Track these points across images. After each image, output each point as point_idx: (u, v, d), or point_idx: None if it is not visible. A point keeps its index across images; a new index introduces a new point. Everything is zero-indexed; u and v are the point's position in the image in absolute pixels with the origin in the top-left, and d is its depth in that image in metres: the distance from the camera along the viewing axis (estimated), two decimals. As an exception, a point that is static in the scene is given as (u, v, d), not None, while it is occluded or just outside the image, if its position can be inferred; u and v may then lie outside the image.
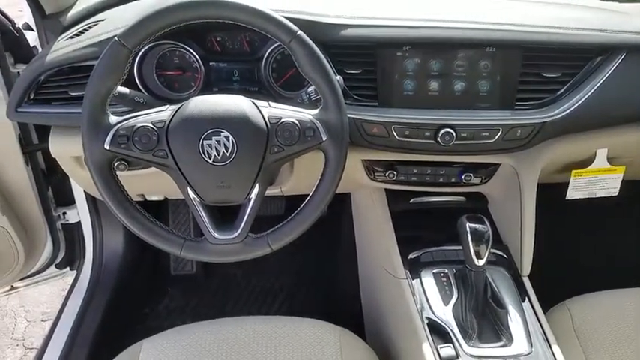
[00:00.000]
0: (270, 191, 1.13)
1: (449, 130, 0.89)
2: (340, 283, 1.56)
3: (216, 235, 0.75)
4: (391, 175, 1.04)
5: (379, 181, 1.07)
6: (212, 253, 0.76)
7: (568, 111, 0.89)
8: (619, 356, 0.92)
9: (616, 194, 1.08)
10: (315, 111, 0.75)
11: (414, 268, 1.00)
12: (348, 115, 0.87)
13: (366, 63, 0.89)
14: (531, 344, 0.87)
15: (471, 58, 0.89)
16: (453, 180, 1.06)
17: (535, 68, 0.90)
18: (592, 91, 0.89)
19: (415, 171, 1.05)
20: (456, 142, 0.90)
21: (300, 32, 0.72)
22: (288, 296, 1.62)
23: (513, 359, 0.85)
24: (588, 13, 0.96)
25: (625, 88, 0.91)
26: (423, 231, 1.07)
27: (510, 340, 0.88)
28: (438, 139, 0.89)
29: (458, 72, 0.89)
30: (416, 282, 0.98)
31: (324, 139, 0.73)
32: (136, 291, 1.57)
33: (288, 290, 1.63)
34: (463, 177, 1.04)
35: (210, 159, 0.71)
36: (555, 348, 0.87)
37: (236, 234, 0.75)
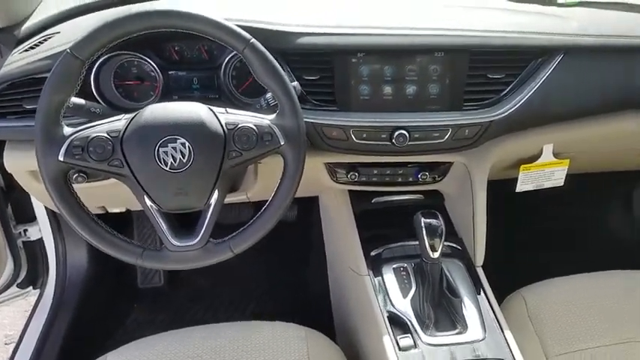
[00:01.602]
0: (237, 197, 1.14)
1: (403, 131, 0.93)
2: (310, 285, 1.58)
3: (175, 242, 0.75)
4: (353, 177, 1.08)
5: (342, 183, 1.10)
6: (172, 260, 0.77)
7: (512, 110, 0.94)
8: (572, 339, 0.97)
9: (562, 184, 1.15)
10: (273, 116, 0.77)
11: (376, 265, 1.04)
12: (308, 120, 0.90)
13: (324, 69, 0.93)
14: (485, 330, 0.92)
15: (421, 63, 0.93)
16: (410, 179, 1.10)
17: (481, 71, 0.95)
18: (533, 90, 0.95)
19: (375, 172, 1.08)
20: (409, 143, 0.94)
21: (253, 40, 0.75)
22: (259, 302, 1.63)
23: (467, 345, 0.89)
24: (528, 17, 1.02)
25: (564, 87, 0.97)
26: (385, 229, 1.11)
27: (465, 327, 0.92)
28: (393, 141, 0.93)
29: (410, 76, 0.94)
30: (377, 278, 1.01)
31: (282, 144, 0.76)
32: (102, 306, 1.54)
33: (259, 296, 1.64)
34: (420, 176, 1.09)
35: (166, 166, 0.72)
36: (508, 333, 0.92)
37: (196, 240, 0.75)
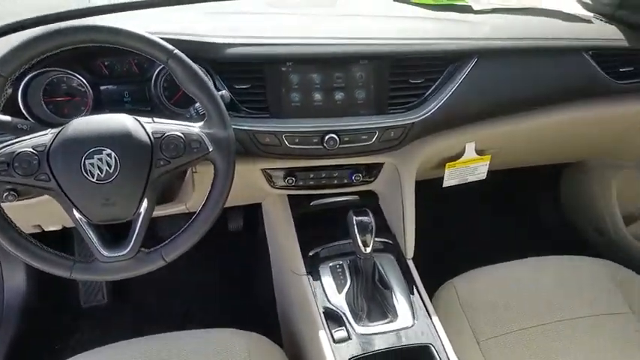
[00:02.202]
0: (177, 208, 1.15)
1: (333, 135, 0.98)
2: (258, 292, 1.60)
3: (106, 253, 0.76)
4: (290, 181, 1.12)
5: (280, 188, 1.14)
6: (104, 271, 0.77)
7: (432, 111, 1.01)
8: (502, 322, 1.03)
9: (484, 178, 1.24)
10: (200, 123, 0.80)
11: (314, 265, 1.08)
12: (241, 127, 0.94)
13: (255, 78, 0.96)
14: (415, 318, 0.99)
15: (347, 71, 0.98)
16: (345, 181, 1.15)
17: (402, 76, 1.01)
18: (451, 92, 1.02)
19: (312, 175, 1.13)
20: (340, 146, 0.99)
21: (176, 51, 0.77)
22: (207, 313, 1.62)
23: (397, 333, 0.95)
24: (444, 24, 1.10)
25: (479, 89, 1.05)
26: (323, 230, 1.16)
27: (396, 316, 0.99)
28: (325, 144, 0.98)
29: (337, 83, 0.99)
30: (315, 277, 1.06)
31: (210, 150, 0.78)
32: (44, 328, 1.50)
33: (206, 307, 1.64)
34: (354, 177, 1.14)
35: (93, 178, 0.73)
36: (436, 319, 0.99)
37: (127, 250, 0.76)
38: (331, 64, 0.98)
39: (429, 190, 1.26)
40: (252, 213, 1.61)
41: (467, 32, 1.06)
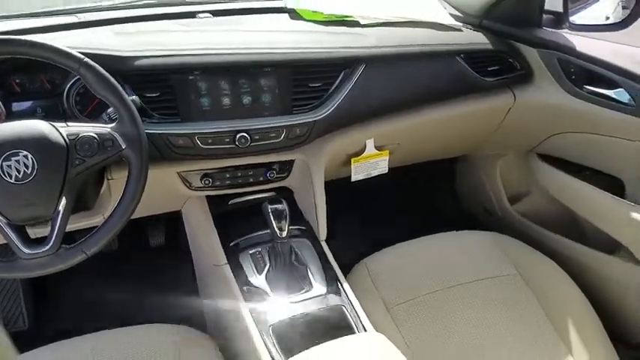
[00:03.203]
0: (94, 220, 1.18)
1: (244, 134, 1.07)
2: (182, 289, 1.62)
3: (27, 250, 0.79)
4: (207, 182, 1.19)
5: (197, 189, 1.21)
6: (25, 268, 0.80)
7: (331, 111, 1.14)
8: (409, 290, 1.16)
9: (386, 171, 1.39)
10: (113, 124, 0.86)
11: (234, 254, 1.16)
12: (155, 131, 1.00)
13: (164, 87, 1.03)
14: (328, 287, 1.10)
15: (253, 77, 1.08)
16: (261, 179, 1.25)
17: (304, 81, 1.13)
18: (345, 95, 1.16)
19: (228, 175, 1.21)
20: (251, 144, 1.09)
21: (86, 59, 0.84)
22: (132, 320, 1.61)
23: (313, 299, 1.06)
24: (337, 36, 1.22)
25: (369, 91, 1.20)
26: (241, 225, 1.24)
27: (311, 287, 1.09)
28: (237, 143, 1.07)
29: (244, 89, 1.08)
30: (235, 264, 1.14)
31: (124, 147, 0.85)
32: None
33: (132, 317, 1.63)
34: (268, 174, 1.24)
35: (11, 179, 0.77)
36: (347, 286, 1.10)
37: (48, 247, 0.80)
38: (237, 72, 1.07)
39: (341, 183, 1.39)
40: (174, 227, 1.64)
41: (355, 42, 1.20)
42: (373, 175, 1.39)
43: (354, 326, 1.03)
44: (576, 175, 1.37)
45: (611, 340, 1.14)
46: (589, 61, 1.24)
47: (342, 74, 1.18)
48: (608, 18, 1.34)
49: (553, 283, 1.22)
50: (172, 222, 1.51)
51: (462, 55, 1.29)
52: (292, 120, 1.12)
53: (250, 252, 1.16)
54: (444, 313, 1.11)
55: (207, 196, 1.28)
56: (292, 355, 0.87)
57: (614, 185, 1.31)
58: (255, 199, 1.32)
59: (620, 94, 1.20)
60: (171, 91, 1.04)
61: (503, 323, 1.11)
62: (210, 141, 1.06)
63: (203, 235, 1.27)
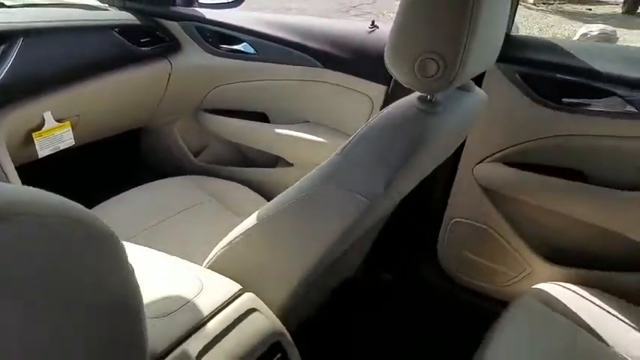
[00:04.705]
0: None
1: None
2: None
3: None
4: None
5: None
6: None
7: None
8: (136, 225, 1.29)
9: (73, 144, 1.46)
10: None
11: None
12: None
13: None
14: None
15: None
16: None
17: None
18: (7, 69, 1.19)
19: None
20: None
21: None
22: None
23: None
24: None
25: (33, 64, 1.26)
26: None
27: None
28: None
29: None
30: None
31: None
32: None
33: None
34: None
35: None
36: None
37: None
38: None
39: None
40: None
41: (11, 19, 1.26)
42: (61, 148, 1.43)
43: None
44: (232, 115, 1.76)
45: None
46: (219, 25, 1.64)
47: (1, 49, 1.20)
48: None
49: (245, 197, 1.56)
50: None
51: (116, 30, 1.49)
52: None
53: None
54: (164, 240, 1.29)
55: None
56: None
57: (258, 117, 1.75)
58: None
59: (246, 47, 1.65)
60: None
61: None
62: None
63: None
